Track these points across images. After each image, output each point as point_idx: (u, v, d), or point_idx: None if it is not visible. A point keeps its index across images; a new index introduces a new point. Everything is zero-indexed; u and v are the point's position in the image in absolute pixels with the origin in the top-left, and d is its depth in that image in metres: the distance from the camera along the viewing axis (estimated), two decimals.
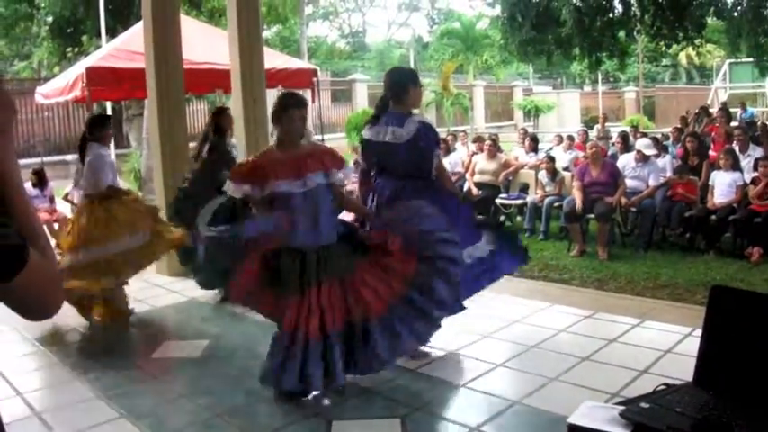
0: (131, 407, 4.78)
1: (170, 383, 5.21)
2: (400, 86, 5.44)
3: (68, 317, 6.68)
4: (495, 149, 11.98)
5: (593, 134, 17.84)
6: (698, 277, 7.81)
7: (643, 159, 9.87)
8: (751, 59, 22.55)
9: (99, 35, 17.83)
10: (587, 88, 46.74)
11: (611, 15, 18.93)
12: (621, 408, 2.54)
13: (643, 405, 2.53)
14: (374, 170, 5.55)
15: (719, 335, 2.65)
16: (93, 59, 10.67)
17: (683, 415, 2.42)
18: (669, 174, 10.24)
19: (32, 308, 1.45)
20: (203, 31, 11.82)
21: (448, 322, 5.76)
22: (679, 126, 16.58)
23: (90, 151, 6.83)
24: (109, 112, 17.36)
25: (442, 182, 5.42)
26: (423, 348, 5.50)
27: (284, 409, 4.61)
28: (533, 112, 38.00)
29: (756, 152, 10.41)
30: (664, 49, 25.26)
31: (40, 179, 11.34)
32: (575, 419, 2.54)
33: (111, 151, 7.05)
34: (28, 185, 10.98)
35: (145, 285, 7.93)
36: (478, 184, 11.48)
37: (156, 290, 7.87)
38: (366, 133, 5.44)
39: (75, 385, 5.28)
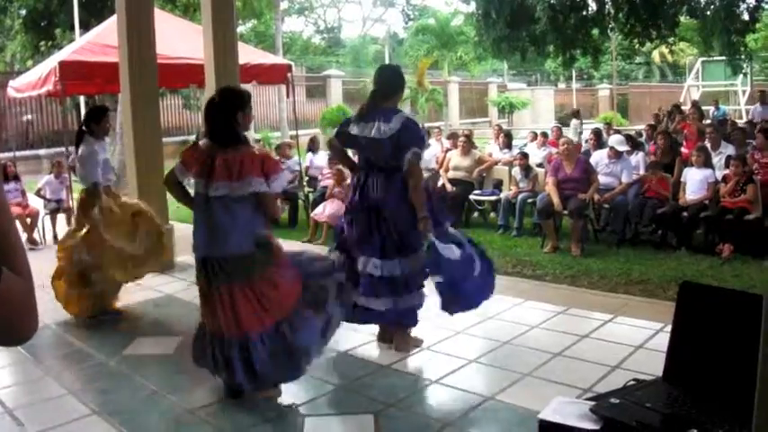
0: (104, 403, 4.76)
1: (143, 380, 5.18)
2: (393, 84, 5.52)
3: (41, 313, 6.62)
4: (469, 145, 12.00)
5: (568, 131, 17.95)
6: (670, 273, 7.86)
7: (616, 156, 9.93)
8: (723, 58, 22.69)
9: (73, 29, 17.72)
10: (561, 85, 47.00)
11: (585, 13, 18.98)
12: (592, 403, 2.57)
13: (613, 401, 2.56)
14: (360, 165, 5.60)
15: (689, 331, 2.68)
16: (67, 53, 10.58)
17: (651, 410, 2.46)
18: (642, 171, 10.30)
19: (3, 333, 1.35)
20: (177, 25, 11.76)
21: (421, 318, 5.80)
22: (653, 123, 16.69)
23: (84, 145, 6.75)
24: (82, 107, 17.32)
25: (411, 182, 5.23)
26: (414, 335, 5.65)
27: (258, 405, 4.61)
28: (508, 109, 38.15)
29: (728, 149, 10.50)
30: (637, 46, 25.41)
31: (6, 174, 11.20)
32: (545, 415, 2.57)
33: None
34: None
35: None
36: (452, 180, 11.50)
37: (132, 285, 7.81)
38: (353, 129, 5.44)
39: (46, 382, 5.26)
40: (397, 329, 5.61)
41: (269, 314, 4.47)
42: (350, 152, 6.00)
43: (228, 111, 4.48)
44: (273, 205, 4.60)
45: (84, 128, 6.90)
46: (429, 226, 5.20)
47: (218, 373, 4.64)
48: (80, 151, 6.74)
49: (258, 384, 4.56)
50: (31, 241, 10.76)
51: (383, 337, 5.73)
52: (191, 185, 4.67)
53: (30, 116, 20.81)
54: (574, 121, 21.28)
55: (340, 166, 10.90)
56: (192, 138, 19.99)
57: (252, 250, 4.46)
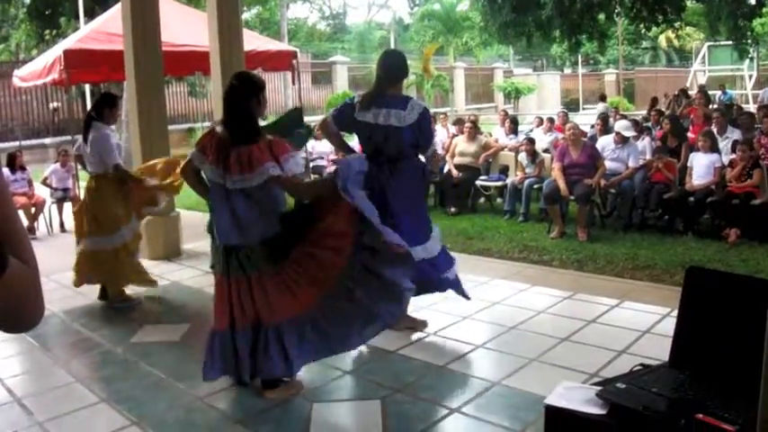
0: (112, 391, 4.78)
1: (151, 367, 5.20)
2: (399, 70, 5.48)
3: (48, 302, 6.65)
4: (475, 131, 11.98)
5: (575, 116, 17.86)
6: (676, 258, 7.85)
7: (622, 141, 9.90)
8: (730, 42, 22.65)
9: (77, 17, 17.71)
10: (567, 70, 46.90)
11: None
12: (598, 388, 2.57)
13: (619, 385, 2.56)
14: (367, 152, 5.54)
15: (695, 315, 2.68)
16: (72, 42, 10.58)
17: (658, 395, 2.45)
18: (649, 155, 10.27)
19: (10, 321, 1.34)
20: (182, 12, 11.74)
21: (428, 303, 5.81)
22: (659, 108, 16.63)
23: (94, 131, 6.75)
24: (87, 95, 17.33)
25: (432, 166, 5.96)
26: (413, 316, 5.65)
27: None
28: (513, 94, 38.06)
29: (734, 134, 10.48)
30: (643, 31, 25.31)
31: (13, 163, 11.20)
32: (552, 400, 2.57)
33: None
34: (5, 171, 10.90)
35: None
36: (458, 166, 11.48)
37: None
38: (363, 116, 5.36)
39: (55, 370, 5.28)
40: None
41: (298, 299, 4.43)
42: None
43: (247, 98, 4.42)
44: (292, 184, 4.42)
45: (92, 114, 6.89)
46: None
47: (238, 371, 4.57)
48: (91, 137, 6.72)
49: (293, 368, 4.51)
50: (30, 230, 10.72)
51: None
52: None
53: (56, 104, 20.92)
54: (601, 105, 21.27)
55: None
56: (199, 125, 20.01)
57: (276, 232, 4.43)
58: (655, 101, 18.73)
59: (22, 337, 5.88)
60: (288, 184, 4.40)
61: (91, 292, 6.98)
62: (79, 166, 8.12)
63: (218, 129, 4.50)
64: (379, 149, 5.38)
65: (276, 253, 4.41)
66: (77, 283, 6.94)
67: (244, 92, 4.45)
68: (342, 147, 5.98)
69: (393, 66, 5.48)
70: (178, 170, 5.60)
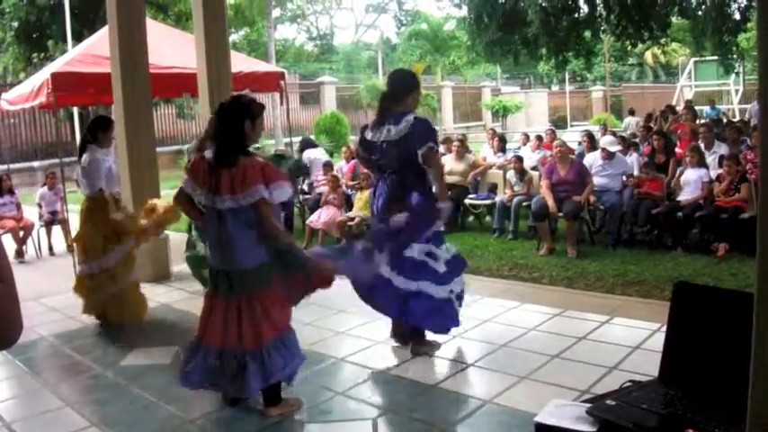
0: (101, 415, 4.75)
1: (141, 391, 5.17)
2: (402, 87, 5.54)
3: (38, 326, 6.63)
4: (463, 150, 12.01)
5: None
6: (665, 273, 7.87)
7: (608, 157, 9.94)
8: (716, 57, 22.83)
9: (65, 40, 17.74)
10: (555, 88, 47.05)
11: (576, 15, 19.08)
12: (588, 405, 2.57)
13: (609, 402, 2.56)
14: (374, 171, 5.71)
15: (684, 331, 2.68)
16: (59, 64, 10.56)
17: (648, 411, 2.46)
18: (636, 171, 10.32)
19: None
20: (170, 35, 11.74)
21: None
22: (646, 124, 16.69)
23: (87, 154, 6.73)
24: (75, 118, 17.29)
25: (432, 176, 5.51)
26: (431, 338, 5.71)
27: (255, 414, 4.60)
28: (501, 112, 38.18)
29: (721, 149, 10.53)
30: (629, 48, 25.48)
31: (0, 186, 11.16)
32: (542, 418, 2.57)
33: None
34: None
35: None
36: (447, 185, 11.48)
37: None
38: (368, 135, 5.57)
39: (44, 394, 5.24)
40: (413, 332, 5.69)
41: (273, 328, 4.45)
42: None
43: (238, 120, 4.38)
44: (270, 214, 4.37)
45: (88, 137, 6.88)
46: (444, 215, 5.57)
47: (218, 388, 4.61)
48: (83, 160, 6.72)
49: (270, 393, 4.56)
50: (19, 254, 10.68)
51: (396, 333, 5.81)
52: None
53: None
54: (630, 119, 21.40)
55: (334, 173, 10.96)
56: (186, 147, 20.00)
57: (260, 262, 4.40)
58: (632, 112, 18.96)
59: (12, 362, 5.86)
60: (265, 209, 4.35)
61: (80, 316, 6.94)
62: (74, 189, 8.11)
63: (207, 153, 4.50)
64: (381, 164, 5.53)
65: (263, 279, 4.40)
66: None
67: (234, 114, 4.42)
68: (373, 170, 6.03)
69: (396, 83, 5.60)
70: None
